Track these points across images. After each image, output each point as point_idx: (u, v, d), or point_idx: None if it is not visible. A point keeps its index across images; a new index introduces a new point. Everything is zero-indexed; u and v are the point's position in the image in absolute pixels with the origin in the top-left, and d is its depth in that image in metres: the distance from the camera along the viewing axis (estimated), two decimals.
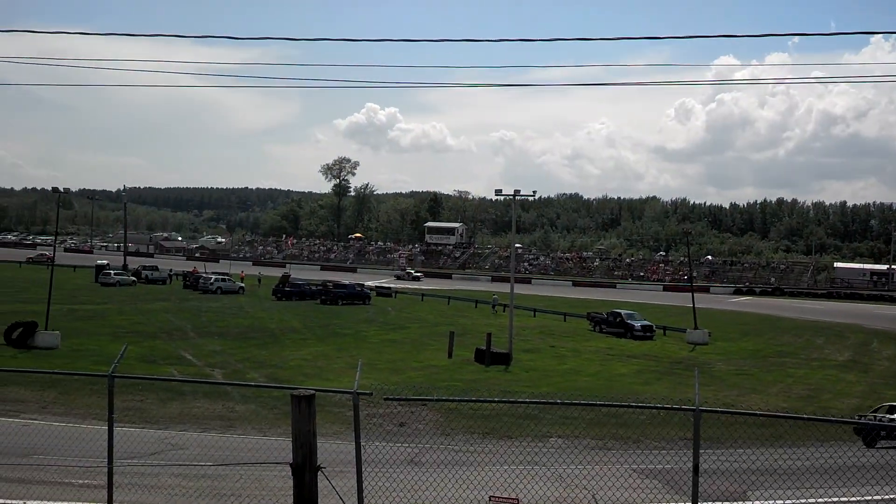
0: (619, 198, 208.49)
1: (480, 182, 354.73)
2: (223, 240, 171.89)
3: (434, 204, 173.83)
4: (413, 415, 21.19)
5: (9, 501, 10.84)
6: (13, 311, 41.52)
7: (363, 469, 8.39)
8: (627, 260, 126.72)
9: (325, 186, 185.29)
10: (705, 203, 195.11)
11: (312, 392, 8.04)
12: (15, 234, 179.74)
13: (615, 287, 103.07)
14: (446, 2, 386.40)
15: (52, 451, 15.06)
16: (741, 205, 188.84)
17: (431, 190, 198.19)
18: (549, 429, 20.37)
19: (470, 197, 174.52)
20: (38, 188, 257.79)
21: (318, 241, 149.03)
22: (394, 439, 18.02)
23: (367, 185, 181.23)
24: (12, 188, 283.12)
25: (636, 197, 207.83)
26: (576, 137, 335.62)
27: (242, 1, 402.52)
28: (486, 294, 71.50)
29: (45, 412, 20.78)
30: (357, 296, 63.72)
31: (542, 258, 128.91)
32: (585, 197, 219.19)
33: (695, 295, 52.98)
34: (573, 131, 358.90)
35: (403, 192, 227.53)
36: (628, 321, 48.59)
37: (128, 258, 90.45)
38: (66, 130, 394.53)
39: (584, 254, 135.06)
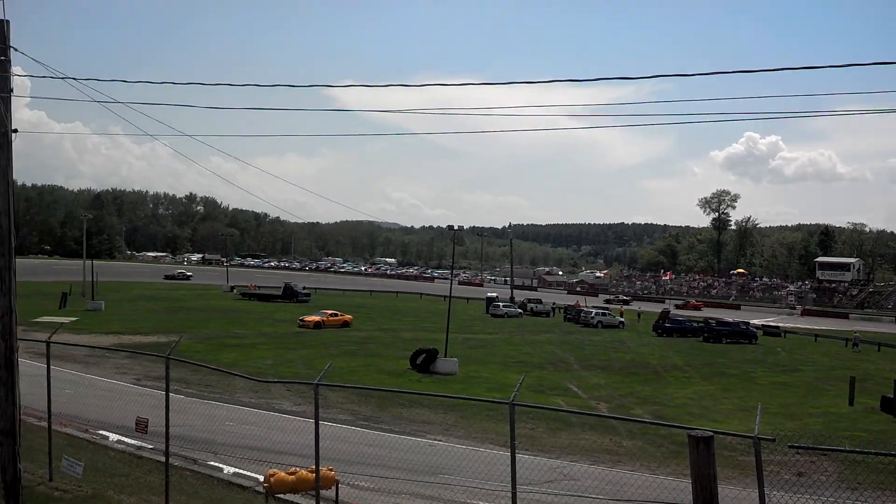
0: None
1: (877, 213, 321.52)
2: (601, 274, 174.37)
3: (825, 237, 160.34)
4: (812, 465, 19.55)
5: None
6: (416, 339, 45.84)
7: None
8: None
9: (703, 220, 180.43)
10: None
11: (711, 434, 7.74)
12: (416, 267, 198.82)
13: None
14: (834, 26, 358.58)
15: (456, 471, 16.26)
16: None
17: (820, 222, 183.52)
18: None
19: (867, 229, 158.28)
20: (435, 226, 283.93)
21: (696, 277, 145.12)
22: (793, 489, 16.73)
23: (749, 218, 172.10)
24: (412, 226, 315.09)
25: None
26: None
27: (613, 43, 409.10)
28: (891, 336, 64.16)
29: (448, 434, 22.48)
30: (742, 334, 60.77)
31: None
32: None
33: None
34: None
35: (788, 224, 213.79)
36: None
37: (514, 291, 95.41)
38: (459, 173, 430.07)
39: None
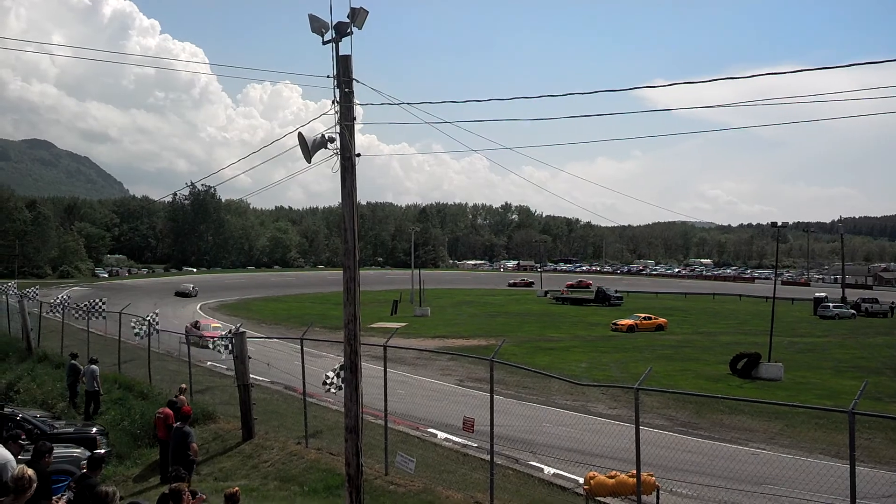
0: None
1: None
2: None
3: None
4: None
5: None
6: (736, 343, 43.81)
7: None
8: None
9: None
10: None
11: None
12: (734, 268, 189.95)
13: None
14: None
15: (783, 481, 15.37)
16: None
17: None
18: None
19: None
20: (754, 223, 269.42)
21: None
22: None
23: None
24: (729, 225, 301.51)
25: None
26: None
27: None
28: None
29: (773, 443, 21.24)
30: None
31: None
32: None
33: None
34: None
35: None
36: None
37: (845, 290, 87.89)
38: (779, 166, 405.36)
39: None
